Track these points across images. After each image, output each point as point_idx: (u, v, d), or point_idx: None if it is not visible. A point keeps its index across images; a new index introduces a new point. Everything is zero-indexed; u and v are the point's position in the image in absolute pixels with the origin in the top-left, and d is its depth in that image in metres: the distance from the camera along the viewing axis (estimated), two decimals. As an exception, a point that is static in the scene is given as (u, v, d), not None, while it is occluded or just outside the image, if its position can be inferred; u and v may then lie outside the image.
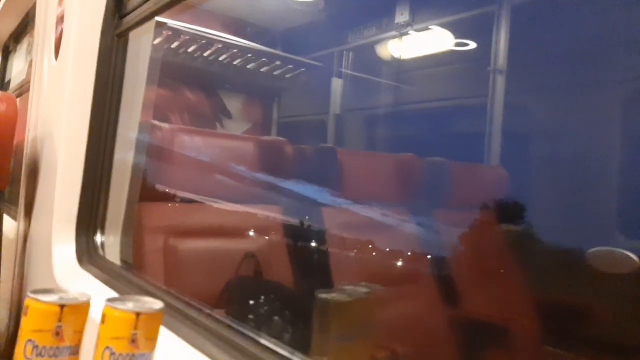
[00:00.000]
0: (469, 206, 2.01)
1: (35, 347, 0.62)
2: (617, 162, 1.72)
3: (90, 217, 1.28)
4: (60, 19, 1.36)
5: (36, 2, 1.60)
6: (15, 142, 1.37)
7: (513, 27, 2.13)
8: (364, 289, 0.80)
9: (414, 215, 1.94)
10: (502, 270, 1.91)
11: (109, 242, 1.31)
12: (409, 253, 1.87)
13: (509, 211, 1.93)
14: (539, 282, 1.77)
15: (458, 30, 2.41)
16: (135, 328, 0.61)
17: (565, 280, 1.65)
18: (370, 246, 1.75)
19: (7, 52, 3.16)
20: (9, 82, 3.11)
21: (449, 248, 1.92)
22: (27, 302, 0.63)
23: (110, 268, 1.19)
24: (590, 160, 1.76)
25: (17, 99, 2.36)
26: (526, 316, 1.67)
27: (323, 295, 0.74)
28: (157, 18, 1.26)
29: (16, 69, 2.99)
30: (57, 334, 0.63)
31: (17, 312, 1.45)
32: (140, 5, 1.17)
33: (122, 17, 1.27)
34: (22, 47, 2.82)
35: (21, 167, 1.56)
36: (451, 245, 1.92)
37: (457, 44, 2.45)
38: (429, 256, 1.87)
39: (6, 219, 1.40)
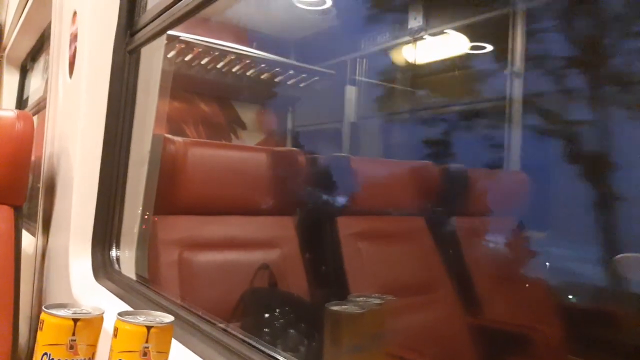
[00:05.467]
0: (490, 213, 1.99)
1: (51, 360, 0.63)
2: None
3: (105, 232, 1.29)
4: (74, 37, 1.38)
5: (51, 21, 1.63)
6: (33, 158, 1.39)
7: (529, 28, 2.11)
8: (376, 300, 0.79)
9: (434, 223, 1.92)
10: (524, 277, 1.88)
11: (125, 257, 1.32)
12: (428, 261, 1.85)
13: (531, 217, 1.90)
14: (563, 290, 1.73)
15: (473, 33, 2.39)
16: (146, 341, 0.61)
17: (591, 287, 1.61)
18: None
19: (25, 70, 3.23)
20: (27, 99, 3.17)
21: (469, 255, 1.89)
22: (42, 316, 0.65)
23: (125, 282, 1.20)
24: (613, 162, 1.73)
25: (35, 116, 2.41)
26: (549, 325, 1.63)
27: (334, 308, 0.73)
28: (170, 32, 1.27)
29: (34, 86, 3.05)
30: (71, 347, 0.64)
31: (37, 326, 1.47)
32: (150, 22, 1.19)
33: (133, 34, 1.28)
34: (39, 65, 2.88)
35: (40, 183, 1.58)
36: (472, 252, 1.90)
37: (473, 48, 2.43)
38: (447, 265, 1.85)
39: (25, 234, 1.42)
